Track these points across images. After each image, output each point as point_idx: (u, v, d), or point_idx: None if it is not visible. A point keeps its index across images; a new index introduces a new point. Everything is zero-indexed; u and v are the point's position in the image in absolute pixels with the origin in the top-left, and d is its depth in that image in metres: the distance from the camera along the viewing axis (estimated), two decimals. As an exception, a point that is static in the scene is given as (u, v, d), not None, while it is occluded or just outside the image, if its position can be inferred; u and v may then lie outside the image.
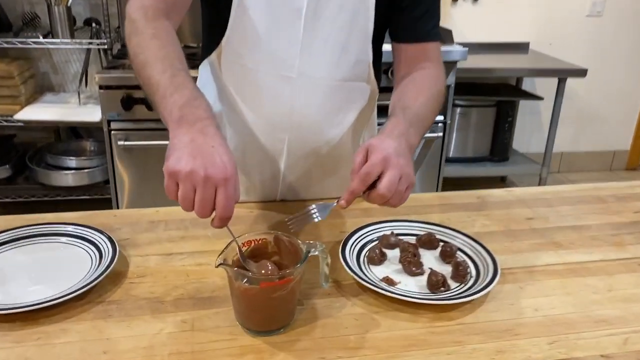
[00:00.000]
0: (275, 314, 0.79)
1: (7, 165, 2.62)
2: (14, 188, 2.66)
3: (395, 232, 1.05)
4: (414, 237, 1.05)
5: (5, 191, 2.64)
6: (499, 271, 0.92)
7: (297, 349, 0.77)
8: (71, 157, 2.68)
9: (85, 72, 2.69)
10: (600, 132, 3.75)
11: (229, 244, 0.80)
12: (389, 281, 0.92)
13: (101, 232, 1.00)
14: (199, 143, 0.76)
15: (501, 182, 3.63)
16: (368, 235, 1.04)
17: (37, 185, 2.66)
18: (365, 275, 0.92)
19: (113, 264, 0.91)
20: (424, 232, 1.05)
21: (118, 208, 2.48)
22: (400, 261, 0.95)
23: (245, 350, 0.77)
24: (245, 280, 0.75)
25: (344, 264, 0.93)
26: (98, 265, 0.93)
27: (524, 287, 0.93)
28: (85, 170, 2.66)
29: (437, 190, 2.75)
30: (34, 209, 2.93)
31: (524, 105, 3.48)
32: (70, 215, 1.11)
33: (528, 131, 3.62)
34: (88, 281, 0.87)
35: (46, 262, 0.95)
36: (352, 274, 0.90)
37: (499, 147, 3.23)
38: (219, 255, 0.78)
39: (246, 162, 1.18)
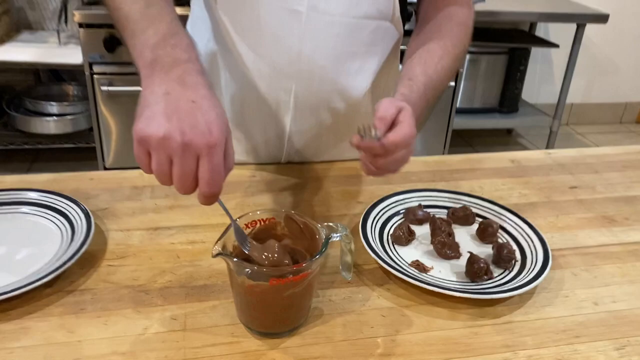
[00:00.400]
0: (286, 315, 0.64)
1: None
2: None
3: (423, 204, 0.89)
4: (445, 210, 0.89)
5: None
6: (551, 256, 0.77)
7: (313, 356, 0.63)
8: (52, 103, 2.47)
9: (64, 7, 2.45)
10: (612, 83, 3.57)
11: (228, 227, 0.64)
12: (419, 267, 0.77)
13: (74, 200, 0.84)
14: (176, 97, 0.59)
15: (507, 134, 3.47)
16: (391, 208, 0.88)
17: (16, 133, 2.46)
18: (392, 260, 0.77)
19: (88, 242, 0.75)
20: (458, 205, 0.89)
21: (103, 158, 2.31)
22: (432, 242, 0.80)
23: (249, 357, 0.62)
24: (249, 275, 0.60)
25: (365, 245, 0.77)
26: (70, 243, 0.77)
27: (577, 274, 0.79)
28: (68, 117, 2.46)
29: (445, 144, 2.59)
30: (13, 158, 2.75)
31: (534, 53, 3.27)
32: (35, 179, 0.94)
33: (538, 81, 3.43)
34: (56, 265, 0.71)
35: (2, 239, 0.79)
36: (376, 258, 0.75)
37: (509, 97, 3.04)
38: (217, 242, 0.62)
39: (245, 116, 1.00)
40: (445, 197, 0.91)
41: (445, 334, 0.67)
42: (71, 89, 2.66)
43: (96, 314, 0.67)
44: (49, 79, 2.73)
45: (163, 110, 0.57)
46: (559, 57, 3.33)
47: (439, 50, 0.85)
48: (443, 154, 2.64)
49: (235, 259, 0.59)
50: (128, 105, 2.16)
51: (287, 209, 0.88)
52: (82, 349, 0.62)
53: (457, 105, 2.86)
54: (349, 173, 1.03)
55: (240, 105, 0.99)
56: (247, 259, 0.63)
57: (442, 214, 0.88)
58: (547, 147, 3.07)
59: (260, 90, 0.95)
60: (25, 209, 0.83)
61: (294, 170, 1.02)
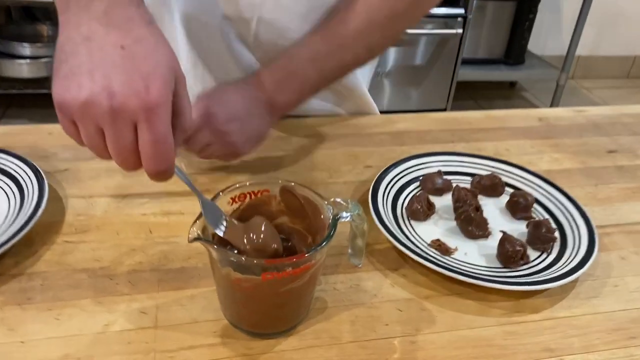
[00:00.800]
0: (282, 313, 0.51)
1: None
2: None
3: (443, 170, 0.76)
4: (469, 178, 0.76)
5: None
6: (597, 236, 0.65)
7: (315, 363, 0.51)
8: (25, 44, 2.28)
9: (35, -62, 2.22)
10: (622, 35, 3.39)
11: (204, 203, 0.50)
12: (441, 247, 0.64)
13: (23, 159, 0.69)
14: (99, 43, 0.43)
15: (510, 87, 3.31)
16: (405, 175, 0.74)
17: (-14, 76, 2.28)
18: (409, 239, 0.64)
19: (39, 212, 0.62)
20: (484, 172, 0.76)
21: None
22: (456, 217, 0.67)
23: (236, 364, 0.50)
24: (236, 266, 0.47)
25: (376, 220, 0.64)
26: (17, 213, 0.63)
27: (626, 257, 0.67)
28: (42, 60, 2.27)
29: (448, 97, 2.43)
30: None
31: (543, 1, 3.07)
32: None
33: (545, 32, 3.25)
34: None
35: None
36: (389, 237, 0.62)
37: (515, 48, 2.88)
38: (195, 222, 0.48)
39: (201, 57, 0.84)
40: (468, 162, 0.78)
41: (476, 333, 0.55)
42: (45, 29, 2.46)
43: (46, 305, 0.54)
44: (21, 18, 2.52)
45: (83, 65, 0.43)
46: (569, 6, 3.14)
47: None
48: (446, 107, 2.49)
49: (216, 246, 0.46)
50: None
51: (282, 177, 0.75)
52: (25, 352, 0.50)
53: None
54: (354, 131, 0.89)
55: (196, 41, 0.82)
56: (234, 244, 0.50)
57: (465, 182, 0.75)
58: (552, 102, 2.92)
59: (216, 18, 0.79)
60: (-37, 169, 0.69)
61: (287, 127, 0.88)
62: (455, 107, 2.61)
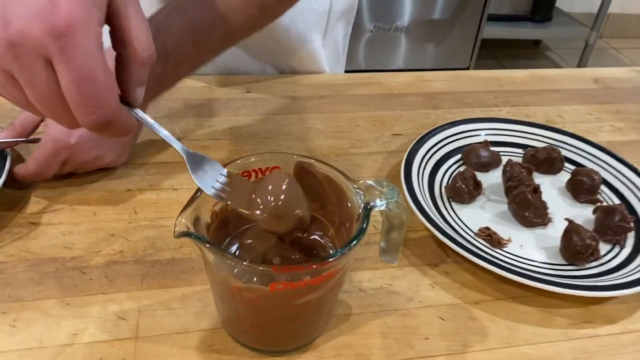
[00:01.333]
0: (295, 328, 0.40)
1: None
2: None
3: (489, 140, 0.63)
4: (521, 151, 0.63)
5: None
6: (682, 227, 0.53)
7: (338, 391, 0.40)
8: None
9: None
10: (657, -8, 3.18)
11: (197, 193, 0.38)
12: (492, 238, 0.52)
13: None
14: None
15: (534, 46, 3.12)
16: (444, 146, 0.62)
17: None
18: (451, 227, 0.52)
19: None
20: (538, 144, 0.63)
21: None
22: (510, 201, 0.55)
23: (237, 390, 0.39)
24: (236, 273, 0.35)
25: (411, 202, 0.52)
26: None
27: None
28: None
29: (472, 56, 2.27)
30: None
31: (575, -48, 2.86)
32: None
33: (574, -14, 3.04)
34: None
35: None
36: (428, 224, 0.50)
37: (543, 4, 2.68)
38: (184, 210, 0.36)
39: None
40: (519, 131, 0.65)
41: (538, 351, 0.44)
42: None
43: (1, 307, 0.43)
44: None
45: None
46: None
47: None
48: (468, 67, 2.33)
49: (209, 245, 0.34)
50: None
51: (293, 148, 0.63)
52: (-31, 371, 0.39)
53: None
54: (377, 90, 0.76)
55: None
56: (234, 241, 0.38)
57: (516, 156, 0.63)
58: (579, 62, 2.75)
59: None
60: None
61: (296, 85, 0.75)
62: (477, 67, 2.45)
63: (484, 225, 0.53)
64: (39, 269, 0.46)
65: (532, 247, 0.52)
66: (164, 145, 0.61)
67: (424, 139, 0.61)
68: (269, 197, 0.37)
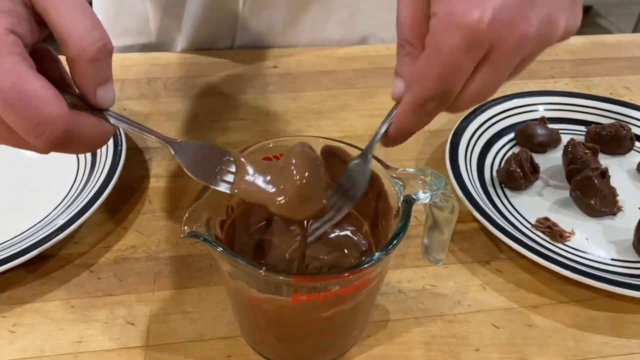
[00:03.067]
0: (323, 342, 0.34)
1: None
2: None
3: (547, 116, 0.56)
4: (583, 129, 0.56)
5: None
6: None
7: (374, 412, 0.34)
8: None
9: None
10: None
11: (217, 174, 0.32)
12: (552, 230, 0.45)
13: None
14: None
15: (585, 12, 2.94)
16: (495, 123, 0.55)
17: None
18: (504, 218, 0.45)
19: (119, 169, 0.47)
20: (603, 120, 0.55)
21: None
22: (572, 187, 0.48)
23: (258, 409, 0.34)
24: (252, 283, 0.29)
25: (459, 189, 0.45)
26: (90, 173, 0.48)
27: None
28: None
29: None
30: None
31: None
32: None
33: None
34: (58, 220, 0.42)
35: None
36: (478, 214, 0.43)
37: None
38: (194, 203, 0.31)
39: None
40: (580, 106, 0.57)
41: (611, 365, 0.37)
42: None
43: (0, 310, 0.39)
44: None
45: None
46: None
47: None
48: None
49: (221, 249, 0.28)
50: None
51: (319, 128, 0.57)
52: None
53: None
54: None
55: None
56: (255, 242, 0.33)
57: (578, 134, 0.55)
58: (634, 29, 2.57)
59: None
60: None
61: (328, 59, 0.68)
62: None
63: (542, 216, 0.46)
64: (41, 266, 0.42)
65: (599, 241, 0.45)
66: (181, 127, 0.56)
67: (472, 116, 0.54)
68: (290, 176, 0.30)
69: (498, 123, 0.54)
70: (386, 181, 0.34)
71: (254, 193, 0.31)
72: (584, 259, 0.43)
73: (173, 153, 0.30)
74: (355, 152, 0.35)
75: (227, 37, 0.69)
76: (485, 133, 0.53)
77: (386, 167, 0.34)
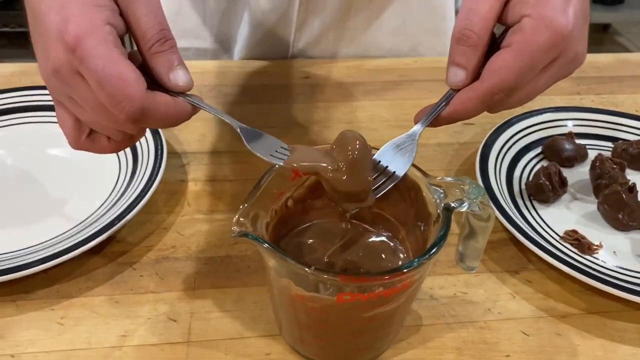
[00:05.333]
0: (362, 342, 0.35)
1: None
2: (13, 15, 2.19)
3: (574, 131, 0.57)
4: (609, 144, 0.57)
5: (4, 18, 2.18)
6: None
7: (408, 413, 0.35)
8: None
9: None
10: None
11: (265, 175, 0.34)
12: (580, 243, 0.46)
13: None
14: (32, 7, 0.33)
15: (602, 31, 2.94)
16: (523, 137, 0.56)
17: (22, 12, 2.17)
18: (533, 229, 0.47)
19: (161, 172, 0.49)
20: (629, 136, 0.57)
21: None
22: (600, 201, 0.49)
23: (295, 406, 0.35)
24: (300, 281, 0.31)
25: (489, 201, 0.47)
26: (131, 176, 0.50)
27: None
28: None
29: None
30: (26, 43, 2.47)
31: None
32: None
33: (649, -34, 2.84)
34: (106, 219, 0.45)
35: (29, 173, 0.52)
36: (508, 225, 0.45)
37: (614, -15, 2.52)
38: (242, 208, 0.33)
39: None
40: (606, 122, 0.58)
41: (640, 377, 0.38)
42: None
43: (48, 302, 0.41)
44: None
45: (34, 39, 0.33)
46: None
47: None
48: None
49: (271, 247, 0.30)
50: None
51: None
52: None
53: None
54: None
55: None
56: (293, 243, 0.34)
57: (605, 149, 0.56)
58: (653, 48, 2.57)
59: None
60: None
61: (358, 70, 0.70)
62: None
63: (570, 228, 0.47)
64: (87, 263, 0.44)
65: (626, 254, 0.46)
66: (219, 134, 0.58)
67: (501, 129, 0.55)
68: (345, 150, 0.34)
69: (526, 137, 0.56)
70: (425, 188, 0.36)
71: (309, 162, 0.34)
72: (612, 271, 0.44)
73: (239, 132, 0.34)
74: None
75: (281, 47, 0.71)
76: (514, 146, 0.55)
77: (425, 175, 0.36)
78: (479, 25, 0.33)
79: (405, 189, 0.37)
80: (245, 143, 0.34)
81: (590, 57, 0.75)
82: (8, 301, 0.41)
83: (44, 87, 0.58)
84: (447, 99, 0.36)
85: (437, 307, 0.42)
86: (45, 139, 0.55)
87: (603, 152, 0.54)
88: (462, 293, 0.43)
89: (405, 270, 0.30)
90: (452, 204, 0.34)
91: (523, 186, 0.51)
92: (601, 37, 2.90)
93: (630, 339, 0.40)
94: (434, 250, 0.31)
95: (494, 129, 0.55)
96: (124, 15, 0.32)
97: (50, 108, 0.57)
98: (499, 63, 0.33)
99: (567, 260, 0.42)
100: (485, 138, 0.54)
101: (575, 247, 0.46)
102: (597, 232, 0.47)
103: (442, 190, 0.35)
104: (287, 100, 0.64)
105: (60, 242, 0.43)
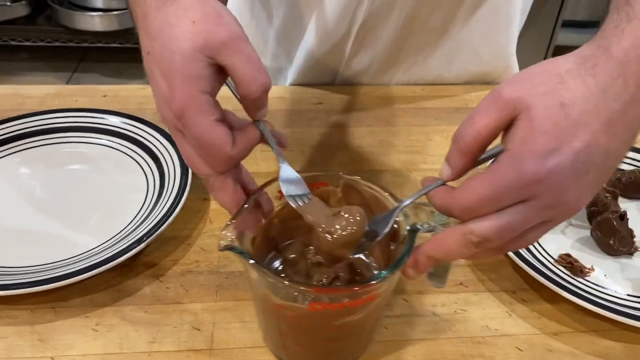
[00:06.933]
0: (336, 349, 0.40)
1: (24, 1, 2.20)
2: (35, 30, 2.26)
3: (570, 161, 0.60)
4: (604, 173, 0.60)
5: (25, 33, 2.25)
6: None
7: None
8: (98, -5, 2.22)
9: None
10: None
11: (260, 190, 0.39)
12: (573, 266, 0.50)
13: (156, 128, 0.61)
14: (150, 52, 0.38)
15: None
16: (522, 164, 0.60)
17: (60, 28, 2.24)
18: (529, 252, 0.50)
19: (186, 192, 0.53)
20: (626, 166, 0.60)
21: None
22: (593, 227, 0.52)
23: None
24: (276, 290, 0.36)
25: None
26: (159, 196, 0.55)
27: None
28: (115, 13, 2.21)
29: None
30: (61, 56, 2.56)
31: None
32: (106, 88, 0.71)
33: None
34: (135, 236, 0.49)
35: (66, 191, 0.57)
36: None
37: (622, 9, 2.55)
38: (229, 224, 0.37)
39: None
40: (602, 152, 0.62)
41: (624, 391, 0.41)
42: (119, -19, 2.40)
43: (83, 310, 0.45)
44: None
45: (156, 74, 0.37)
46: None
47: None
48: (539, 74, 2.26)
49: (252, 261, 0.35)
50: None
51: (366, 162, 0.62)
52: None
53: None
54: (453, 104, 0.74)
55: None
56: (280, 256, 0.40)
57: (599, 178, 0.60)
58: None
59: None
60: (105, 138, 0.62)
61: (368, 97, 0.74)
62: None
63: (564, 252, 0.51)
64: (119, 276, 0.48)
65: (616, 278, 0.49)
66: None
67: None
68: (343, 225, 0.38)
69: (526, 165, 0.59)
70: (398, 213, 0.39)
71: (312, 217, 0.39)
72: (602, 294, 0.47)
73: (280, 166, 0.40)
74: (370, 188, 0.41)
75: (331, 73, 0.75)
76: (514, 174, 0.58)
77: (396, 199, 0.40)
78: (470, 137, 0.33)
79: (379, 213, 0.41)
80: (280, 180, 0.40)
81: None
82: (48, 308, 0.45)
83: (76, 110, 0.64)
84: (436, 186, 0.36)
85: (439, 322, 0.45)
86: (81, 159, 0.59)
87: (598, 181, 0.57)
88: (462, 310, 0.46)
89: (370, 284, 0.35)
90: (418, 226, 0.38)
91: (521, 211, 0.55)
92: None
93: (617, 356, 0.44)
94: (395, 267, 0.35)
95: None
96: (224, 68, 0.36)
97: (82, 129, 0.62)
98: (469, 182, 0.33)
99: (560, 282, 0.46)
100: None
101: (569, 270, 0.49)
102: (589, 257, 0.51)
103: (408, 214, 0.39)
104: (302, 125, 0.68)
105: (94, 255, 0.48)
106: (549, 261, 0.50)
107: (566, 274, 0.49)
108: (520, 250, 0.48)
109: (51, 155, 0.60)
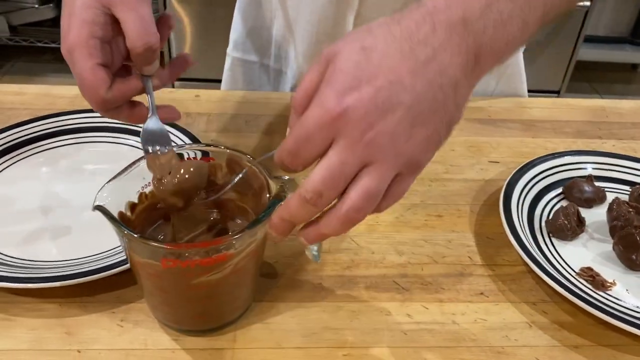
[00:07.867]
0: (202, 309, 0.44)
1: (52, 4, 2.24)
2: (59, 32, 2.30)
3: (594, 174, 0.61)
4: (627, 187, 0.60)
5: (51, 35, 2.29)
6: None
7: None
8: None
9: None
10: None
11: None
12: (595, 280, 0.50)
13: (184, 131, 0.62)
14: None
15: (632, 70, 2.96)
16: (545, 177, 0.60)
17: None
18: (551, 264, 0.50)
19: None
20: (648, 182, 0.60)
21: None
22: (615, 241, 0.52)
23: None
24: (130, 246, 0.39)
25: (510, 235, 0.51)
26: None
27: None
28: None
29: (564, 79, 2.19)
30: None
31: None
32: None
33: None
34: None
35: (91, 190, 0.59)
36: (527, 259, 0.48)
37: (644, 25, 2.54)
38: (105, 185, 0.40)
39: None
40: (626, 167, 0.62)
41: (645, 406, 0.41)
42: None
43: (110, 305, 0.46)
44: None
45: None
46: None
47: None
48: (560, 90, 2.25)
49: (113, 219, 0.38)
50: (203, 6, 1.91)
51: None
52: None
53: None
54: (475, 115, 0.75)
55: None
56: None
57: (622, 193, 0.60)
58: (683, 90, 2.58)
59: None
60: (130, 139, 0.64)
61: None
62: (569, 91, 2.35)
63: (586, 265, 0.51)
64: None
65: (638, 293, 0.49)
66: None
67: (524, 169, 0.59)
68: (175, 175, 0.42)
69: (548, 177, 0.59)
70: (267, 184, 0.41)
71: (152, 168, 0.43)
72: (624, 308, 0.47)
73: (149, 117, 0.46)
74: (251, 163, 0.43)
75: None
76: (536, 186, 0.58)
77: (270, 176, 0.42)
78: (299, 94, 0.36)
79: (257, 187, 0.43)
80: (142, 129, 0.46)
81: (615, 103, 0.79)
82: (75, 302, 0.46)
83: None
84: None
85: (459, 331, 0.45)
86: (111, 157, 0.61)
87: (620, 196, 0.58)
88: (482, 320, 0.47)
89: (214, 242, 0.38)
90: (277, 195, 0.40)
91: (543, 224, 0.55)
92: (630, 76, 2.92)
93: (637, 371, 0.44)
94: (244, 230, 0.37)
95: (517, 168, 0.59)
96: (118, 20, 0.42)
97: (111, 129, 0.63)
98: (290, 130, 0.35)
99: (581, 295, 0.46)
100: (509, 177, 0.58)
101: (590, 283, 0.49)
102: (611, 271, 0.51)
103: (275, 185, 0.41)
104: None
105: (118, 253, 0.49)
106: (570, 274, 0.50)
107: (588, 287, 0.49)
108: (542, 262, 0.49)
109: (81, 153, 0.61)
